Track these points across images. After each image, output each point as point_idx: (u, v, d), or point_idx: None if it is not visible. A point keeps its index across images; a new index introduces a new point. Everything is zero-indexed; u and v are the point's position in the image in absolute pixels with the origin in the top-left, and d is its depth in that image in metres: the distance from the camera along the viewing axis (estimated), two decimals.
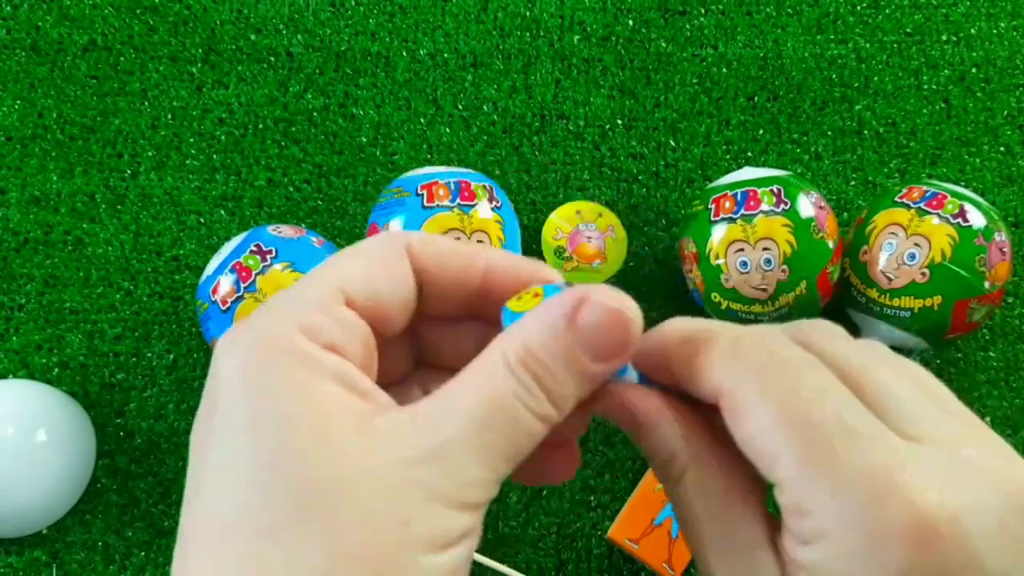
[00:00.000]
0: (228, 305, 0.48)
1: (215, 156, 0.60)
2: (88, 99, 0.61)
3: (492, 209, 0.52)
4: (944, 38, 0.65)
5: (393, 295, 0.22)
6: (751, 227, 0.49)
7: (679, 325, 0.23)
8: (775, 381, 0.20)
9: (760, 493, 0.22)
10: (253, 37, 0.63)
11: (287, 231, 0.51)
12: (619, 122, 0.62)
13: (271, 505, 0.18)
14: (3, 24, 0.63)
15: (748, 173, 0.52)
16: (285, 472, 0.18)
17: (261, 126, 0.61)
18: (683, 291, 0.58)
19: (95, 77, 0.62)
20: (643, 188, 0.61)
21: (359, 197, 0.60)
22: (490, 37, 0.64)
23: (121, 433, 0.54)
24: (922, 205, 0.51)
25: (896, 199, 0.52)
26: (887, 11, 0.65)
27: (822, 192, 0.57)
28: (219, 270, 0.49)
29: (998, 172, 0.62)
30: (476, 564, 0.52)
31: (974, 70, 0.64)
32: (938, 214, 0.50)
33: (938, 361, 0.57)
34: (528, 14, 0.65)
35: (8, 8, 0.63)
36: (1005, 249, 0.50)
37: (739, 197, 0.51)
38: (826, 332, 0.22)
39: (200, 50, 0.63)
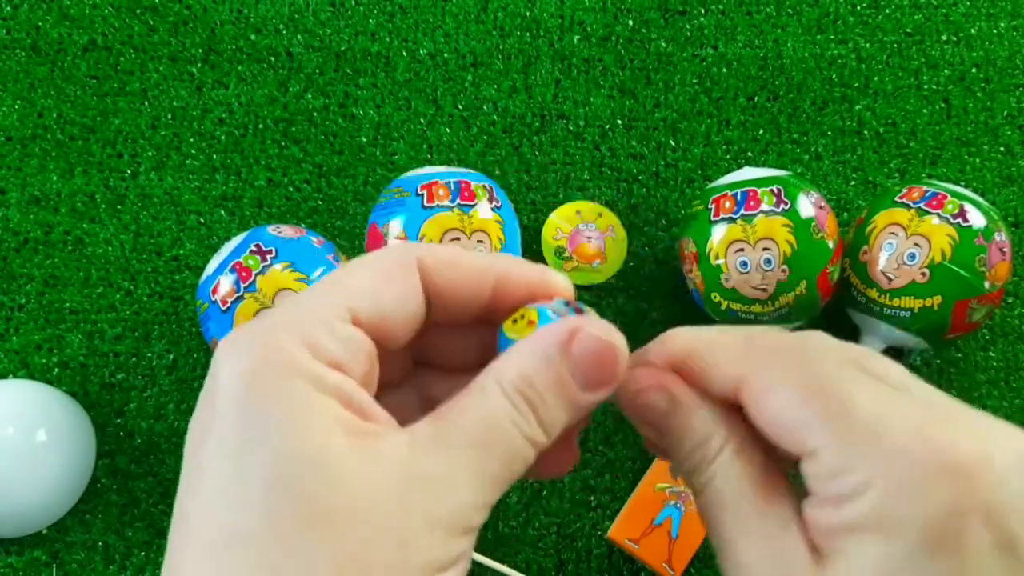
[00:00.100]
0: (228, 305, 0.48)
1: (215, 156, 0.60)
2: (88, 99, 0.61)
3: (492, 209, 0.52)
4: (944, 38, 0.65)
5: (400, 313, 0.22)
6: (751, 227, 0.49)
7: (682, 334, 0.24)
8: (792, 359, 0.21)
9: (788, 484, 0.22)
10: (253, 37, 0.63)
11: (287, 231, 0.51)
12: (619, 122, 0.62)
13: (267, 527, 0.18)
14: (3, 24, 0.63)
15: (748, 173, 0.52)
16: (280, 492, 0.18)
17: (261, 126, 0.61)
18: (683, 291, 0.58)
19: (95, 77, 0.62)
20: (643, 188, 0.61)
21: (359, 197, 0.60)
22: (490, 37, 0.64)
23: (121, 433, 0.54)
24: (922, 205, 0.51)
25: (896, 199, 0.52)
26: (887, 11, 0.65)
27: (822, 192, 0.57)
28: (219, 270, 0.49)
29: (998, 172, 0.62)
30: (476, 564, 0.52)
31: (974, 70, 0.64)
32: (938, 214, 0.50)
33: (938, 361, 0.57)
34: (528, 14, 0.65)
35: (8, 8, 0.63)
36: (1005, 249, 0.50)
37: (739, 197, 0.51)
38: (823, 335, 0.23)
39: (200, 50, 0.63)
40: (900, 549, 0.18)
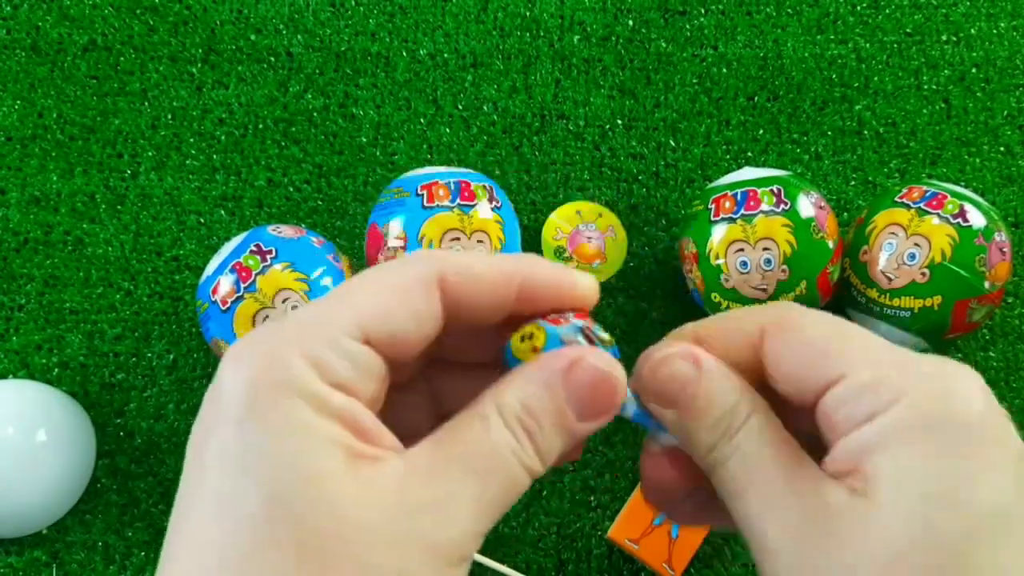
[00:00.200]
0: (228, 305, 0.48)
1: (215, 156, 0.60)
2: (88, 99, 0.61)
3: (492, 209, 0.52)
4: (944, 38, 0.65)
5: (415, 332, 0.21)
6: (751, 227, 0.49)
7: (691, 324, 0.24)
8: (808, 310, 0.22)
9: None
10: (253, 37, 0.63)
11: (287, 231, 0.51)
12: (619, 122, 0.62)
13: (261, 550, 0.18)
14: (3, 24, 0.63)
15: (748, 173, 0.52)
16: (277, 516, 0.18)
17: (261, 126, 0.61)
18: (683, 291, 0.58)
19: (95, 77, 0.62)
20: (643, 188, 0.61)
21: (359, 197, 0.60)
22: (490, 37, 0.64)
23: (121, 433, 0.54)
24: (922, 205, 0.51)
25: (896, 199, 0.52)
26: (887, 11, 0.65)
27: (822, 192, 0.57)
28: (219, 270, 0.49)
29: (998, 172, 0.62)
30: (476, 564, 0.52)
31: (974, 70, 0.64)
32: (938, 214, 0.50)
33: None
34: (528, 14, 0.65)
35: (8, 8, 0.63)
36: (1005, 249, 0.50)
37: (739, 197, 0.51)
38: None
39: (200, 50, 0.63)
40: (944, 446, 0.19)
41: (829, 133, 0.62)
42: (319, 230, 0.59)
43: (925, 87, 0.63)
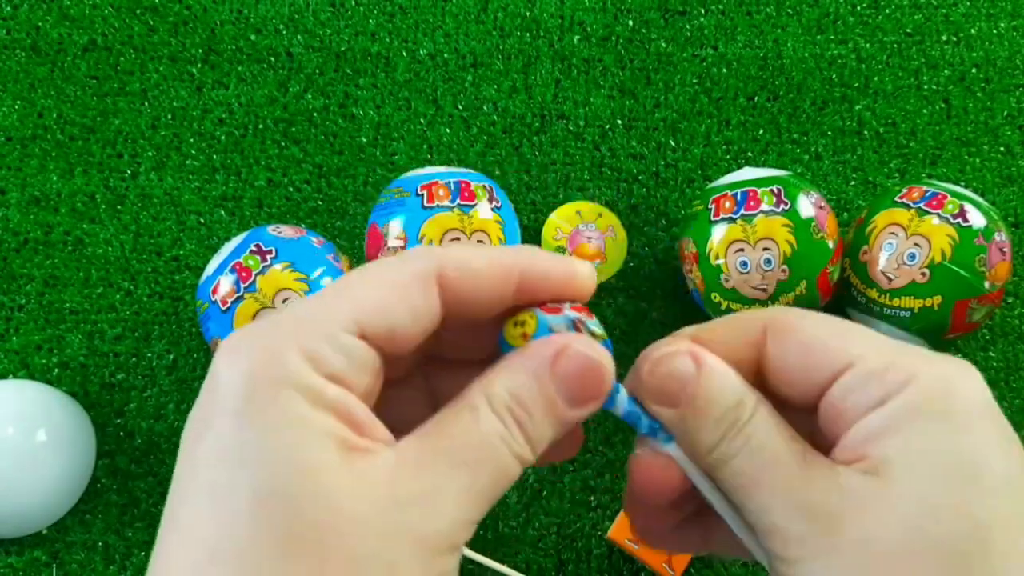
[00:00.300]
0: (228, 305, 0.48)
1: (215, 156, 0.60)
2: (88, 99, 0.61)
3: (492, 209, 0.52)
4: (944, 38, 0.65)
5: (412, 327, 0.21)
6: (751, 227, 0.49)
7: (687, 328, 0.24)
8: (809, 311, 0.23)
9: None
10: (253, 37, 0.63)
11: (287, 231, 0.51)
12: (619, 122, 0.62)
13: (256, 542, 0.18)
14: (3, 24, 0.63)
15: (748, 173, 0.52)
16: (272, 509, 0.18)
17: (261, 126, 0.61)
18: (683, 291, 0.58)
19: (95, 77, 0.62)
20: (643, 188, 0.61)
21: (359, 197, 0.60)
22: (490, 37, 0.64)
23: (121, 433, 0.54)
24: (922, 205, 0.51)
25: (896, 199, 0.52)
26: (887, 11, 0.65)
27: (822, 192, 0.57)
28: (219, 270, 0.49)
29: (998, 172, 0.62)
30: (476, 564, 0.52)
31: (974, 70, 0.64)
32: (938, 214, 0.50)
33: None
34: (528, 14, 0.65)
35: (8, 8, 0.63)
36: (1005, 249, 0.50)
37: (739, 197, 0.51)
38: None
39: (200, 50, 0.63)
40: (958, 424, 0.19)
41: (829, 133, 0.62)
42: (319, 230, 0.59)
43: (925, 87, 0.63)
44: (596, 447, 0.55)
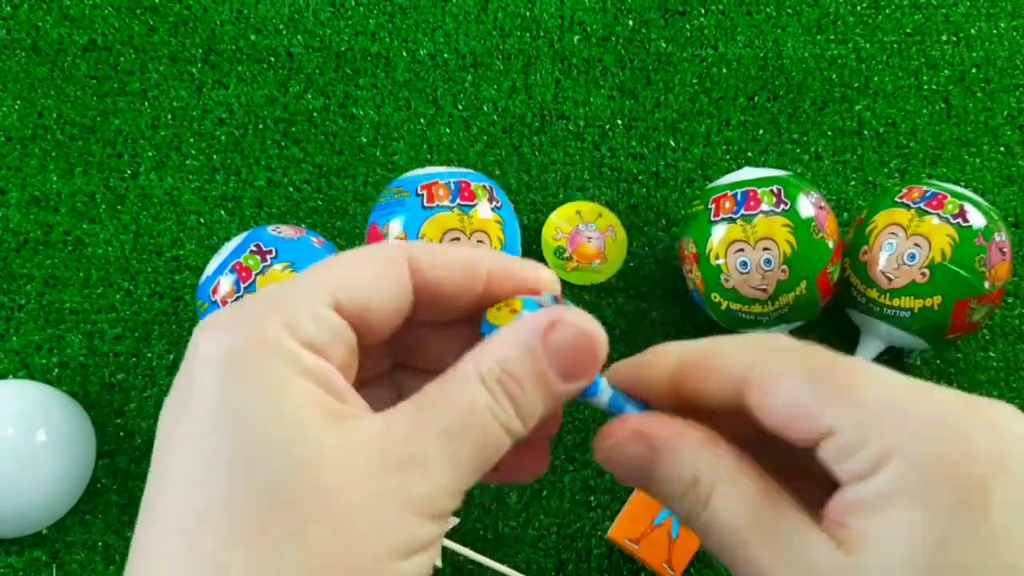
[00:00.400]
0: (228, 305, 0.48)
1: (215, 156, 0.60)
2: (88, 99, 0.61)
3: (492, 209, 0.52)
4: (944, 38, 0.65)
5: (384, 307, 0.22)
6: (751, 227, 0.49)
7: (674, 345, 0.24)
8: (793, 352, 0.21)
9: (790, 492, 0.21)
10: (253, 37, 0.63)
11: (287, 231, 0.51)
12: (619, 122, 0.62)
13: (244, 507, 0.18)
14: (3, 24, 0.63)
15: (748, 173, 0.52)
16: (259, 474, 0.18)
17: (261, 126, 0.61)
18: (683, 291, 0.58)
19: (95, 77, 0.62)
20: (643, 188, 0.61)
21: (359, 197, 0.60)
22: (490, 37, 0.64)
23: (121, 433, 0.54)
24: (922, 205, 0.51)
25: (896, 199, 0.52)
26: (887, 11, 0.65)
27: (822, 192, 0.57)
28: (219, 270, 0.49)
29: (998, 172, 0.62)
30: (476, 564, 0.52)
31: (974, 70, 0.64)
32: (938, 214, 0.50)
33: (938, 361, 0.57)
34: (528, 14, 0.65)
35: (8, 8, 0.63)
36: (1005, 249, 0.50)
37: (739, 197, 0.51)
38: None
39: (200, 50, 0.63)
40: (933, 519, 0.18)
41: (829, 133, 0.62)
42: (319, 230, 0.59)
43: (925, 87, 0.63)
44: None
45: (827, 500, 0.20)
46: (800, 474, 0.22)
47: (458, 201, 0.51)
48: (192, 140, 0.61)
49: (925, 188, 0.52)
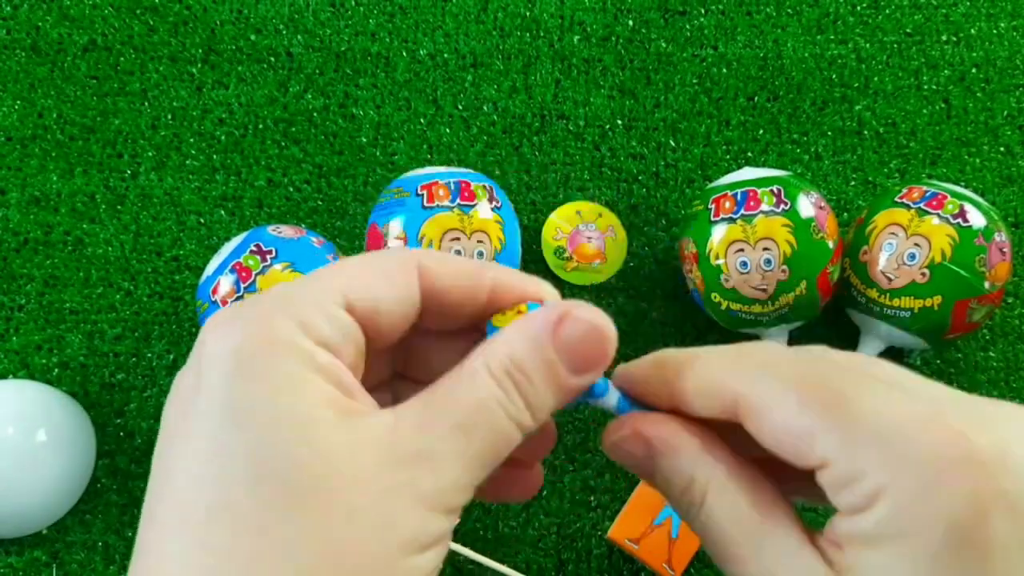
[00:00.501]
0: (228, 305, 0.48)
1: (215, 156, 0.60)
2: (88, 99, 0.61)
3: (492, 209, 0.52)
4: (944, 38, 0.65)
5: (394, 311, 0.22)
6: (751, 227, 0.49)
7: (671, 357, 0.24)
8: (787, 370, 0.21)
9: (788, 505, 0.21)
10: (253, 37, 0.63)
11: (287, 231, 0.51)
12: (619, 122, 0.62)
13: (254, 504, 0.18)
14: (3, 24, 0.63)
15: (748, 173, 0.52)
16: (270, 471, 0.18)
17: (261, 126, 0.61)
18: (683, 291, 0.58)
19: (95, 77, 0.62)
20: (643, 188, 0.61)
21: (359, 197, 0.60)
22: (490, 37, 0.64)
23: (121, 433, 0.54)
24: (922, 205, 0.51)
25: (896, 199, 0.52)
26: (887, 11, 0.65)
27: (822, 192, 0.57)
28: (219, 270, 0.49)
29: (998, 172, 0.62)
30: (476, 564, 0.52)
31: (974, 70, 0.64)
32: (938, 214, 0.50)
33: (938, 361, 0.57)
34: (528, 14, 0.65)
35: (8, 8, 0.63)
36: (1005, 249, 0.50)
37: (739, 197, 0.51)
38: (825, 348, 0.23)
39: (200, 50, 0.63)
40: (922, 554, 0.18)
41: (829, 133, 0.62)
42: (319, 230, 0.59)
43: (925, 87, 0.63)
44: (596, 447, 0.55)
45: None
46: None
47: (458, 201, 0.51)
48: (192, 140, 0.61)
49: (925, 188, 0.52)
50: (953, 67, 0.64)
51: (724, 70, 0.64)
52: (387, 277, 0.22)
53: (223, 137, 0.61)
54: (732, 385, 0.21)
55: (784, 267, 0.49)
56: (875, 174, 0.61)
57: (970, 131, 0.62)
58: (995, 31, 0.65)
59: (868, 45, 0.64)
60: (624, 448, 0.23)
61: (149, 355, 0.56)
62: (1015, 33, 0.65)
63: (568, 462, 0.54)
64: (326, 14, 0.64)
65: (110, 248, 0.58)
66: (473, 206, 0.51)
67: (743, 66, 0.64)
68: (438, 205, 0.50)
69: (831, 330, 0.56)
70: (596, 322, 0.21)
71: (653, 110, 0.63)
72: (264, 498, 0.18)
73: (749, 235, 0.49)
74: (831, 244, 0.50)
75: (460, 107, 0.62)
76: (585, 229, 0.58)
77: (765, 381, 0.21)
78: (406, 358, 0.25)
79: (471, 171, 0.54)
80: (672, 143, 0.62)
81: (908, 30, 0.65)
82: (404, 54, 0.63)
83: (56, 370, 0.55)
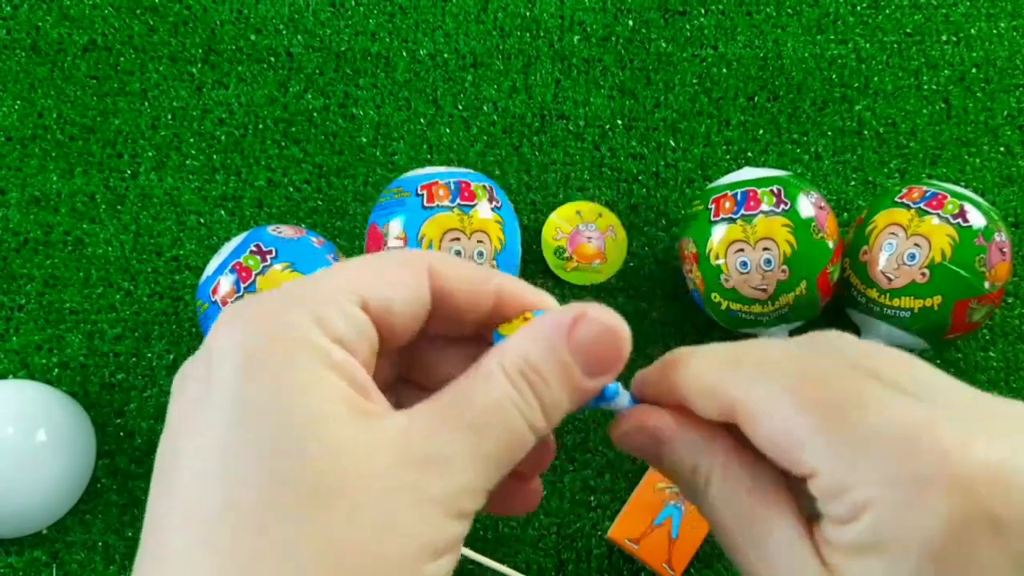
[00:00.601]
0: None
1: (215, 156, 0.60)
2: (88, 99, 0.61)
3: (492, 209, 0.52)
4: (944, 38, 0.65)
5: (406, 309, 0.22)
6: (751, 227, 0.49)
7: (679, 359, 0.24)
8: (787, 367, 0.21)
9: (790, 497, 0.21)
10: (253, 37, 0.63)
11: (287, 231, 0.51)
12: (619, 122, 0.62)
13: (271, 495, 0.17)
14: (3, 24, 0.63)
15: (748, 173, 0.52)
16: (285, 463, 0.18)
17: (261, 126, 0.61)
18: (683, 291, 0.58)
19: (95, 77, 0.62)
20: (643, 188, 0.61)
21: (359, 197, 0.60)
22: (490, 37, 0.64)
23: (121, 433, 0.54)
24: (922, 205, 0.51)
25: (896, 199, 0.52)
26: (887, 11, 0.65)
27: (822, 192, 0.57)
28: (219, 270, 0.49)
29: (998, 172, 0.62)
30: (476, 564, 0.52)
31: (974, 70, 0.64)
32: (938, 214, 0.50)
33: (938, 361, 0.57)
34: (528, 14, 0.65)
35: (8, 8, 0.63)
36: (1005, 249, 0.50)
37: (739, 197, 0.51)
38: (833, 333, 0.23)
39: (200, 50, 0.63)
40: (904, 571, 0.18)
41: (829, 133, 0.62)
42: (319, 230, 0.59)
43: (925, 87, 0.63)
44: (596, 447, 0.55)
45: None
46: None
47: (458, 201, 0.51)
48: (192, 140, 0.61)
49: (925, 188, 0.52)
50: (953, 67, 0.64)
51: (724, 70, 0.64)
52: (400, 277, 0.22)
53: (223, 137, 0.61)
54: (728, 389, 0.21)
55: (784, 267, 0.49)
56: (875, 174, 0.61)
57: (970, 131, 0.62)
58: (995, 31, 0.65)
59: (868, 45, 0.64)
60: (631, 440, 0.23)
61: (149, 355, 0.56)
62: (1015, 33, 0.65)
63: (568, 462, 0.54)
64: (326, 14, 0.64)
65: (110, 248, 0.58)
66: (473, 206, 0.51)
67: (743, 66, 0.64)
68: (438, 205, 0.50)
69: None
70: (611, 324, 0.21)
71: (653, 110, 0.63)
72: (268, 497, 0.17)
73: (749, 235, 0.49)
74: (831, 244, 0.50)
75: (460, 107, 0.62)
76: (585, 229, 0.58)
77: (760, 386, 0.21)
78: (410, 362, 0.25)
79: (471, 171, 0.54)
80: (672, 143, 0.62)
81: (908, 30, 0.65)
82: (404, 54, 0.63)
83: (56, 370, 0.55)
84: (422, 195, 0.51)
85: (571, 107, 0.62)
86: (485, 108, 0.62)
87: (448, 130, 0.62)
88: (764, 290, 0.50)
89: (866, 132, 0.62)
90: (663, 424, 0.23)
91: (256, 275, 0.48)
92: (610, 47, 0.64)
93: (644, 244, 0.59)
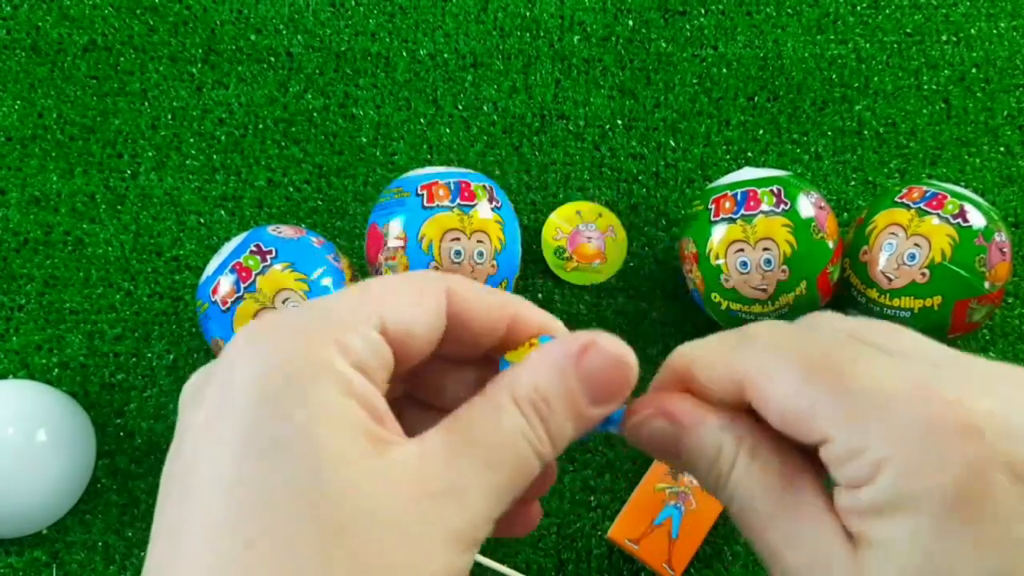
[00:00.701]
0: (228, 305, 0.48)
1: (215, 156, 0.60)
2: (88, 99, 0.61)
3: (492, 209, 0.52)
4: (944, 38, 0.65)
5: (424, 334, 0.22)
6: (751, 227, 0.49)
7: (682, 349, 0.24)
8: (788, 347, 0.21)
9: (813, 471, 0.22)
10: (253, 37, 0.63)
11: (287, 231, 0.51)
12: (619, 122, 0.62)
13: (294, 534, 0.17)
14: (3, 24, 0.63)
15: (748, 173, 0.52)
16: (309, 500, 0.18)
17: (261, 126, 0.61)
18: (683, 291, 0.58)
19: (95, 77, 0.62)
20: (643, 188, 0.61)
21: (359, 197, 0.60)
22: (490, 37, 0.64)
23: (121, 433, 0.54)
24: (922, 205, 0.51)
25: (896, 199, 0.52)
26: (887, 11, 0.65)
27: (822, 192, 0.57)
28: (219, 270, 0.49)
29: (998, 172, 0.62)
30: (476, 564, 0.52)
31: (974, 70, 0.64)
32: (938, 214, 0.50)
33: None
34: (528, 14, 0.65)
35: (8, 8, 0.63)
36: (1005, 249, 0.50)
37: (739, 197, 0.51)
38: (828, 313, 0.24)
39: (200, 50, 0.63)
40: (927, 523, 0.18)
41: (829, 133, 0.62)
42: (319, 230, 0.59)
43: (925, 87, 0.63)
44: (596, 447, 0.55)
45: None
46: None
47: (458, 201, 0.51)
48: (192, 140, 0.61)
49: (925, 188, 0.52)
50: (953, 67, 0.64)
51: (724, 70, 0.64)
52: (419, 300, 0.21)
53: (223, 137, 0.61)
54: (736, 366, 0.22)
55: (784, 267, 0.49)
56: (875, 174, 0.61)
57: (970, 131, 0.62)
58: (995, 31, 0.65)
59: (868, 45, 0.64)
60: (649, 427, 0.23)
61: (149, 355, 0.56)
62: (1015, 33, 0.65)
63: (568, 462, 0.54)
64: (326, 14, 0.64)
65: (110, 248, 0.58)
66: (473, 206, 0.51)
67: (743, 66, 0.64)
68: (438, 205, 0.50)
69: None
70: (618, 353, 0.21)
71: (653, 110, 0.63)
72: (306, 535, 0.17)
73: (749, 235, 0.49)
74: (831, 244, 0.50)
75: (460, 107, 0.62)
76: (585, 229, 0.58)
77: (769, 359, 0.21)
78: (415, 380, 0.25)
79: (471, 171, 0.54)
80: (672, 143, 0.62)
81: (908, 30, 0.65)
82: (404, 54, 0.63)
83: (56, 370, 0.55)
84: (422, 195, 0.51)
85: (571, 107, 0.62)
86: (485, 108, 0.62)
87: (448, 130, 0.62)
88: (764, 290, 0.50)
89: (866, 132, 0.62)
90: (686, 406, 0.23)
91: (256, 275, 0.48)
92: (610, 47, 0.64)
93: (644, 244, 0.59)
